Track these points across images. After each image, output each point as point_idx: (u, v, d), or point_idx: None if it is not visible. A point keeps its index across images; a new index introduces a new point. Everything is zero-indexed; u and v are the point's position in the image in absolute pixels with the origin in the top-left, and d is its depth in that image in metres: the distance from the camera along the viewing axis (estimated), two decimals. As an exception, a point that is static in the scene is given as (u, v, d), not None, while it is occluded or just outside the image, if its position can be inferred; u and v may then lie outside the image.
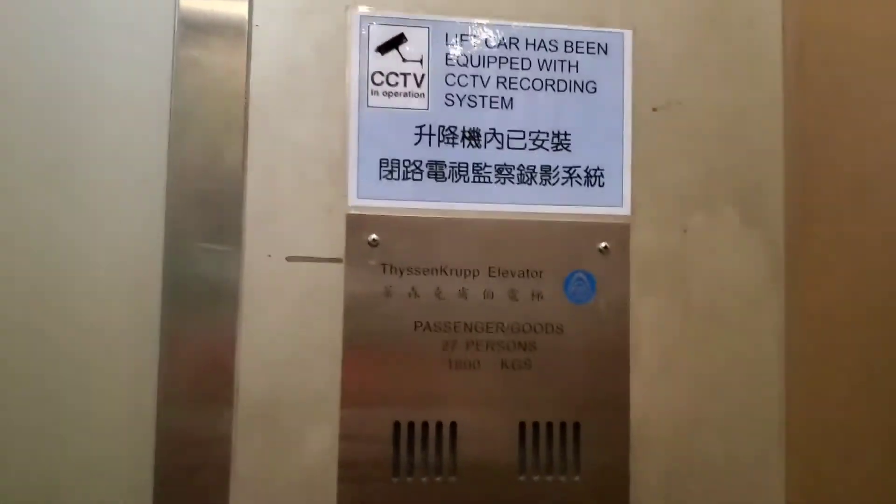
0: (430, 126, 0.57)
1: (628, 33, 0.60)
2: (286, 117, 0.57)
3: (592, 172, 0.59)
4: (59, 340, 0.55)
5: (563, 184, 0.59)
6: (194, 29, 0.56)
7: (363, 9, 0.57)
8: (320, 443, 0.55)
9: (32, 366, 0.55)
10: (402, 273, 0.56)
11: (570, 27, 0.59)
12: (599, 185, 0.59)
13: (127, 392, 0.55)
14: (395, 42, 0.57)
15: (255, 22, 0.57)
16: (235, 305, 0.55)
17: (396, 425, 0.55)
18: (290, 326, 0.56)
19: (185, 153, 0.56)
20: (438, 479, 0.55)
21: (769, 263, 0.61)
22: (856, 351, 0.57)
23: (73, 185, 0.56)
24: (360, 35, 0.57)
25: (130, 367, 0.55)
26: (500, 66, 0.58)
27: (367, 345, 0.56)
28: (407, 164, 0.57)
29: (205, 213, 0.56)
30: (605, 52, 0.59)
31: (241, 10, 0.56)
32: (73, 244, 0.56)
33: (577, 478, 0.57)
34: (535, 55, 0.59)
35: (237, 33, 0.56)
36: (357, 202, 0.56)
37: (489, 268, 0.57)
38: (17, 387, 0.55)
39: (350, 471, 0.55)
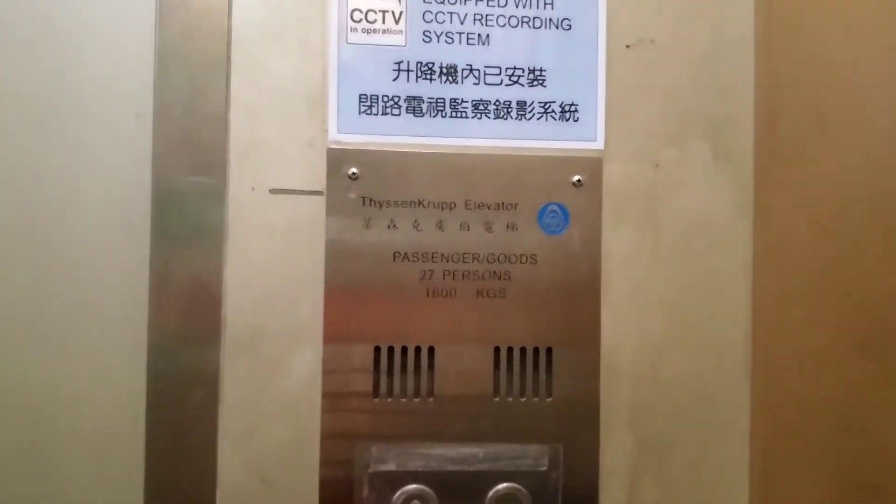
0: (408, 62, 0.59)
1: (603, -29, 0.61)
2: (268, 55, 0.58)
3: (567, 108, 0.61)
4: (50, 277, 0.58)
5: (538, 119, 0.60)
6: (176, -33, 0.57)
7: (341, -54, 0.58)
8: (305, 366, 0.58)
9: (26, 301, 0.58)
10: (381, 206, 0.58)
11: (546, -35, 0.60)
12: (574, 120, 0.61)
13: (118, 324, 0.58)
14: (373, -21, 0.59)
15: (235, -40, 0.58)
16: (221, 238, 0.58)
17: (377, 350, 0.58)
18: (273, 258, 0.58)
19: (170, 91, 0.58)
20: (417, 400, 0.58)
21: (738, 197, 0.63)
22: (818, 282, 0.59)
23: (62, 123, 0.58)
24: (339, -27, 0.58)
25: (121, 299, 0.58)
26: (476, 3, 0.60)
27: (348, 274, 0.58)
28: (385, 99, 0.59)
29: (190, 148, 0.58)
30: (580, -10, 0.61)
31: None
32: (62, 181, 0.58)
33: (549, 399, 0.60)
34: (511, -8, 0.60)
35: (218, -29, 0.58)
36: (337, 136, 0.58)
37: (465, 200, 0.59)
38: (9, 322, 0.58)
39: (333, 390, 0.58)
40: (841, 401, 0.58)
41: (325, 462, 0.58)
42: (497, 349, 0.59)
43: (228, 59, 0.58)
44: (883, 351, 0.57)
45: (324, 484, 0.58)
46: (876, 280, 0.57)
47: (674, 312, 0.62)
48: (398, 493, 0.58)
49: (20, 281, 0.58)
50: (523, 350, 0.59)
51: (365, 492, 0.58)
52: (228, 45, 0.58)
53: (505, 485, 0.59)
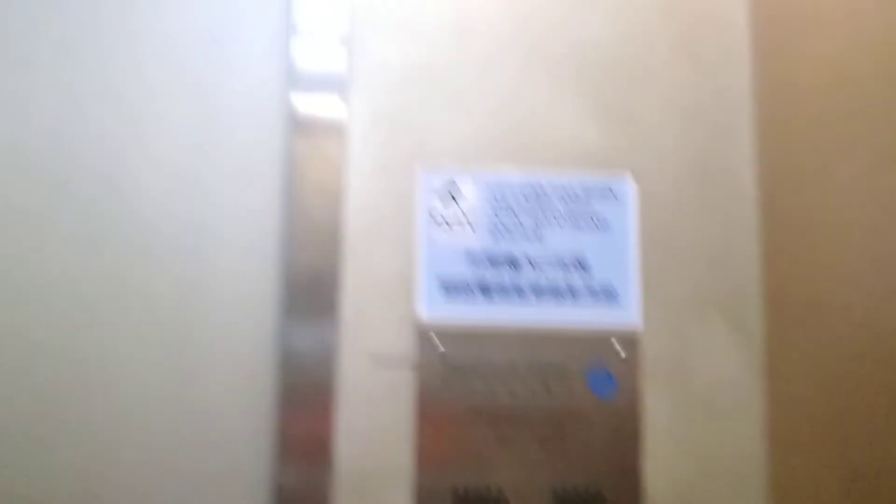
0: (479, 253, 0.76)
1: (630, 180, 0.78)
2: (372, 249, 0.75)
3: (607, 291, 0.76)
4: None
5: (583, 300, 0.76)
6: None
7: (426, 165, 0.76)
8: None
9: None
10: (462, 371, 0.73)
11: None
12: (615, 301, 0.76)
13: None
14: (450, 188, 0.76)
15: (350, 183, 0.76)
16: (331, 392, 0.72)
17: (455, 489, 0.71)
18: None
19: (298, 263, 0.75)
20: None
21: (751, 360, 0.76)
22: (824, 433, 0.71)
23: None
24: (424, 185, 0.76)
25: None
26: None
27: (436, 417, 0.72)
28: (462, 284, 0.75)
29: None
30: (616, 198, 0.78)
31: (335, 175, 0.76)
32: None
33: (598, 535, 0.71)
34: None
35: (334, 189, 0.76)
36: (425, 314, 0.74)
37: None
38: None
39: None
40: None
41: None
42: (555, 490, 0.72)
43: (339, 252, 0.75)
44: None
45: None
46: (874, 433, 0.68)
47: (700, 459, 0.74)
48: None
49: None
50: (576, 490, 0.72)
51: None
52: (340, 241, 0.75)
53: None
